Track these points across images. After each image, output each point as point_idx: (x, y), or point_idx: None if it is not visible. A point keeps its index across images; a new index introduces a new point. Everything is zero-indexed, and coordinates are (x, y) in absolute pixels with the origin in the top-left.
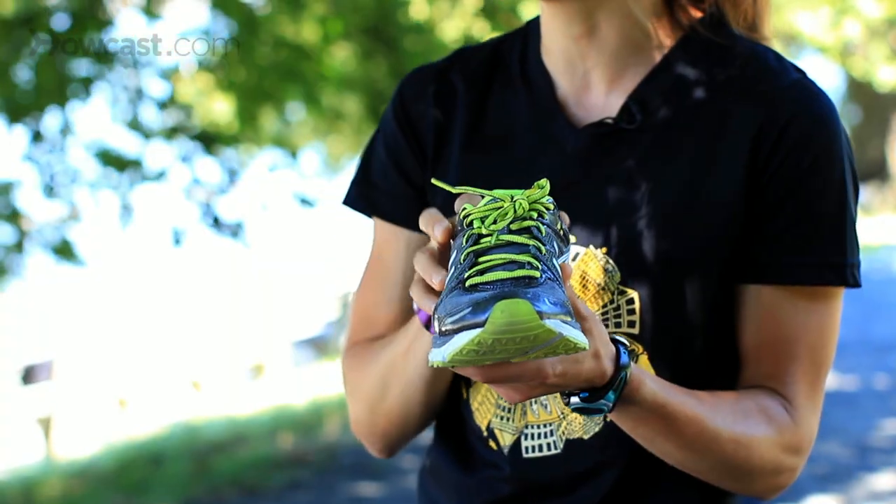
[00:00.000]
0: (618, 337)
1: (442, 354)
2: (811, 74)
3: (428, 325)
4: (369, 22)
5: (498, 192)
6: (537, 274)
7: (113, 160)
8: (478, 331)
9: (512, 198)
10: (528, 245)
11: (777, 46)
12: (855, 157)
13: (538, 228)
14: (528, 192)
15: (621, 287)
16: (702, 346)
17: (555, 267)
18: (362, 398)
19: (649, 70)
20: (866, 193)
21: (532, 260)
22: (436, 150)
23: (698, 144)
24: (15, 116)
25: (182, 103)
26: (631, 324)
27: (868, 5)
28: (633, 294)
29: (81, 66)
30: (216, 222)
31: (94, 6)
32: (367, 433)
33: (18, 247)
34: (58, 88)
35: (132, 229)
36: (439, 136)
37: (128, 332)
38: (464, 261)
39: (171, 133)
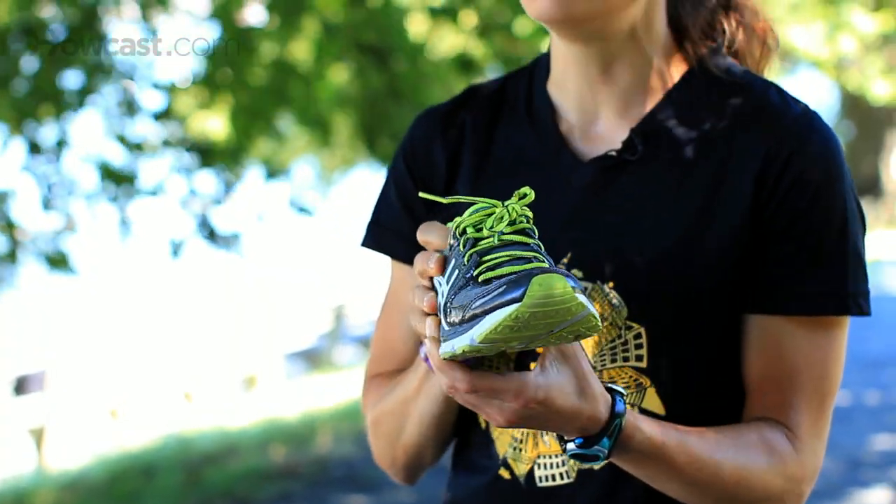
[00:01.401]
0: (614, 385)
1: (470, 338)
2: (813, 108)
3: None
4: (364, 39)
5: (486, 201)
6: (546, 265)
7: (111, 173)
8: (515, 305)
9: (504, 203)
10: (529, 243)
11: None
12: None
13: (532, 231)
14: (514, 199)
15: (628, 322)
16: (710, 377)
17: (554, 264)
18: (382, 435)
19: (655, 103)
20: None
21: (537, 255)
22: (445, 188)
23: (702, 177)
24: (13, 126)
25: (177, 115)
26: (639, 358)
27: (862, 20)
28: (640, 328)
29: (77, 78)
30: (212, 234)
31: (90, 19)
32: (389, 466)
33: (12, 257)
34: (54, 99)
35: (128, 241)
36: (448, 175)
37: (120, 344)
38: (468, 261)
39: (167, 145)
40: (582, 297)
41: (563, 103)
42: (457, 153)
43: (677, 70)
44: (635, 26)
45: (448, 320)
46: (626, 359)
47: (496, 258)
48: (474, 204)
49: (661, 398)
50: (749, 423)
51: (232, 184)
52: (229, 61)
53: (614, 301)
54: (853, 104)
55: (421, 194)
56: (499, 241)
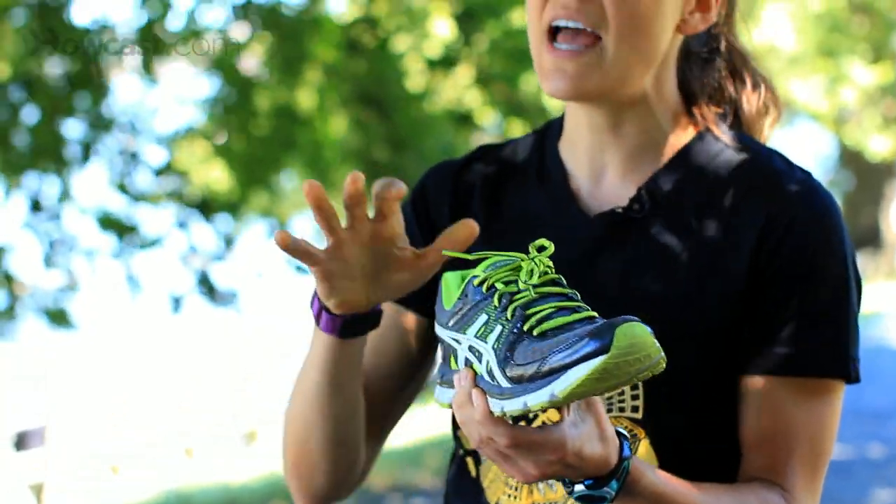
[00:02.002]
0: (619, 429)
1: (550, 394)
2: (816, 176)
3: (319, 315)
4: (364, 91)
5: (508, 255)
6: (595, 314)
7: (113, 224)
8: (602, 357)
9: (529, 256)
10: (566, 293)
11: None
12: (848, 228)
13: (561, 280)
14: (533, 251)
15: None
16: (704, 434)
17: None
18: (284, 428)
19: (662, 164)
20: (859, 261)
21: (580, 303)
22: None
23: (705, 237)
24: (12, 180)
25: (178, 169)
26: (634, 409)
27: (861, 73)
28: None
29: (78, 129)
30: (211, 290)
31: (91, 71)
32: (284, 467)
33: (10, 311)
34: (55, 152)
35: (134, 295)
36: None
37: (121, 399)
38: (511, 317)
39: (168, 199)
40: (656, 341)
41: (572, 162)
42: (466, 206)
43: (685, 133)
44: (646, 89)
45: (508, 375)
46: (621, 409)
47: (542, 310)
48: (487, 259)
49: (655, 450)
50: (746, 483)
51: (232, 239)
52: (231, 110)
53: None
54: (852, 155)
55: (445, 252)
56: (536, 293)
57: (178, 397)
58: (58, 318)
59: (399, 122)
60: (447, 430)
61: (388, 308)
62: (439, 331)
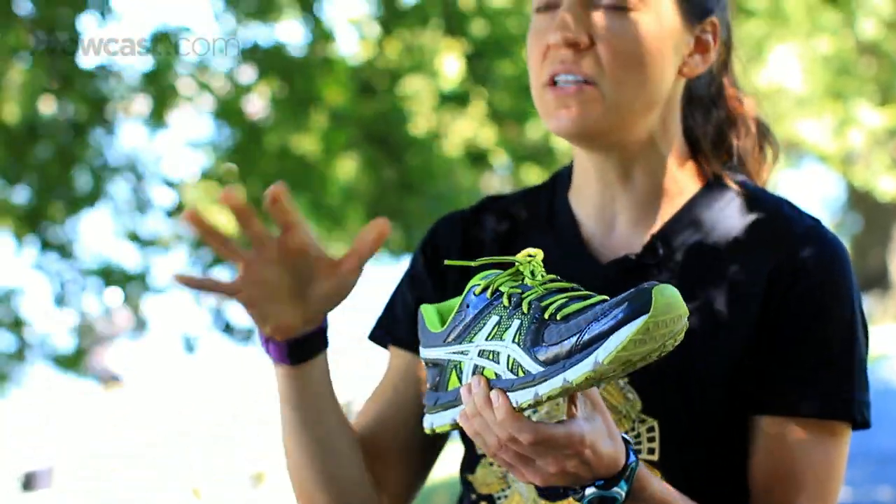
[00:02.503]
0: (623, 435)
1: (594, 362)
2: (824, 223)
3: (269, 349)
4: (372, 132)
5: (504, 258)
6: (607, 297)
7: (117, 275)
8: (644, 317)
9: (526, 260)
10: (571, 286)
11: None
12: (856, 270)
13: (559, 278)
14: (525, 257)
15: (642, 415)
16: (720, 474)
17: None
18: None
19: (673, 213)
20: (867, 303)
21: (590, 293)
22: (461, 282)
23: (716, 283)
24: (21, 226)
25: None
26: (651, 451)
27: (869, 115)
28: (653, 422)
29: (86, 176)
30: (228, 328)
31: (97, 117)
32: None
33: (19, 355)
34: (63, 197)
35: (143, 338)
36: (464, 273)
37: (128, 438)
38: (528, 310)
39: (178, 241)
40: (684, 302)
41: (582, 210)
42: (476, 253)
43: (694, 180)
44: (653, 133)
45: (541, 359)
46: (638, 451)
47: (556, 300)
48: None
49: None
50: None
51: None
52: (238, 154)
53: (629, 395)
54: (860, 197)
55: (447, 262)
56: (545, 290)
57: (186, 437)
58: (67, 363)
59: (409, 165)
60: (455, 472)
61: (402, 359)
62: (432, 352)
